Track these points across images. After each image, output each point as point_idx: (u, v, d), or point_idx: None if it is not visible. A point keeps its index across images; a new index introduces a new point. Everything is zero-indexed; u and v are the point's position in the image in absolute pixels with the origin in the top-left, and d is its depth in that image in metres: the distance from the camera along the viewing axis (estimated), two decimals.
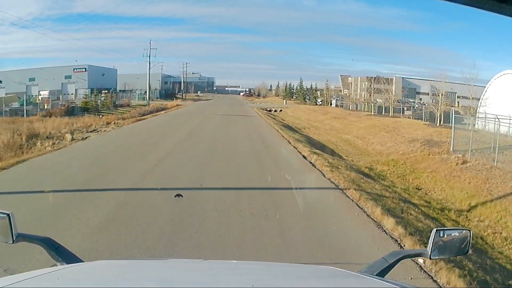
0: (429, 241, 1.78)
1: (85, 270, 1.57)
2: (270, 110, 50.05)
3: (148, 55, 56.29)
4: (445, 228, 1.89)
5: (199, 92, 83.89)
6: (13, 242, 1.68)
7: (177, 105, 52.69)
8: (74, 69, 65.40)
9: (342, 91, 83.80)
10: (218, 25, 74.17)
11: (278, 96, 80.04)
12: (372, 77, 62.80)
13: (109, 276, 1.47)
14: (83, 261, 1.71)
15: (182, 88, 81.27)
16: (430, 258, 1.85)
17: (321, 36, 72.37)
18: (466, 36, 58.32)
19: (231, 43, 78.25)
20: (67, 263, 1.65)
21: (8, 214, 1.64)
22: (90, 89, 60.81)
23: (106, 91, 60.77)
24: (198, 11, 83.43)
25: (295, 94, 75.92)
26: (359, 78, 75.43)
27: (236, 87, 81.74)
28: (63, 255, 1.70)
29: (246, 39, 77.95)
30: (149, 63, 56.69)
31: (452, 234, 1.83)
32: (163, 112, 35.49)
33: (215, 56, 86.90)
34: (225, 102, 59.32)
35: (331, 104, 54.45)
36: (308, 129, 29.85)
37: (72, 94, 58.20)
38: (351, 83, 76.33)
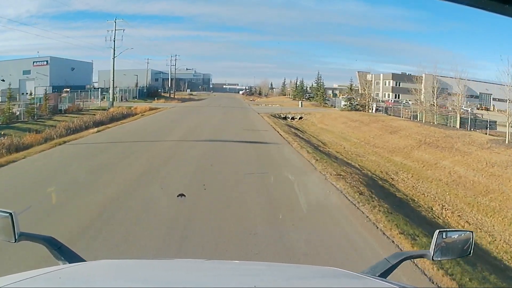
0: (432, 242, 1.63)
1: (87, 270, 1.50)
2: (285, 118, 32.35)
3: (113, 38, 38.37)
4: (447, 230, 1.72)
5: (188, 90, 67.27)
6: (15, 241, 1.57)
7: (152, 109, 35.03)
8: (33, 62, 46.72)
9: (359, 90, 67.50)
10: (217, 24, 69.13)
11: (285, 95, 61.73)
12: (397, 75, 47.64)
13: (111, 276, 1.41)
14: (86, 261, 1.61)
15: (169, 86, 65.44)
16: (433, 260, 1.69)
17: (321, 36, 67.39)
18: (467, 36, 55.86)
19: (230, 42, 72.72)
20: (69, 263, 1.56)
21: (10, 213, 1.55)
22: (52, 87, 43.18)
23: (68, 89, 42.43)
24: (197, 9, 75.33)
25: (308, 93, 59.17)
26: (381, 75, 59.64)
27: (235, 85, 71.05)
28: (65, 254, 1.61)
29: (245, 38, 72.93)
30: (114, 49, 38.70)
31: (455, 236, 1.71)
32: (94, 130, 17.61)
33: (213, 55, 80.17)
34: (221, 104, 41.44)
35: (371, 109, 36.70)
36: (416, 193, 12.22)
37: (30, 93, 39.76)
38: (371, 81, 61.00)
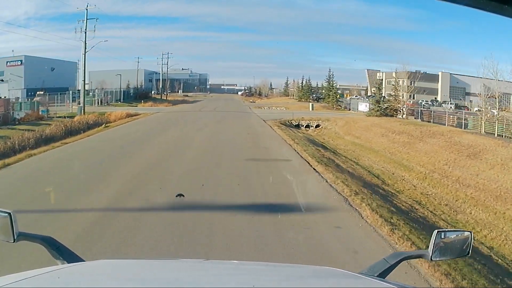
0: (430, 242, 1.56)
1: (86, 270, 1.46)
2: (298, 126, 24.81)
3: (84, 29, 30.64)
4: (446, 230, 1.66)
5: (179, 91, 60.42)
6: (14, 241, 1.52)
7: (129, 115, 27.57)
8: (7, 62, 43.06)
9: (370, 89, 61.06)
10: (215, 24, 65.95)
11: (287, 96, 54.97)
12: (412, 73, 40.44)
13: (110, 276, 1.37)
14: (84, 261, 1.56)
15: (161, 86, 58.80)
16: (431, 260, 1.61)
17: (319, 35, 63.96)
18: (466, 35, 53.26)
19: (228, 41, 68.69)
20: (68, 262, 1.52)
21: (9, 213, 1.50)
22: (26, 90, 37.17)
23: (42, 92, 34.97)
24: (194, 9, 73.45)
25: (316, 94, 52.23)
26: (394, 73, 51.14)
27: (233, 85, 65.68)
28: (64, 254, 1.56)
29: (244, 38, 69.13)
30: (85, 43, 30.89)
31: (453, 236, 1.63)
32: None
33: (212, 55, 76.66)
34: (217, 108, 33.87)
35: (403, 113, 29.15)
36: None
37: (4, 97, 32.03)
38: (382, 80, 51.10)
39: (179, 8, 72.85)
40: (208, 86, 65.52)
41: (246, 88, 64.31)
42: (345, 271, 1.56)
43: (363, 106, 37.99)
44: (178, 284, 1.22)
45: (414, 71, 56.30)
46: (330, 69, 43.59)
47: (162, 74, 56.99)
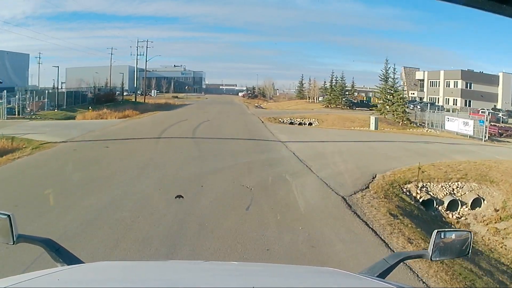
0: (430, 242, 1.53)
1: (86, 271, 1.43)
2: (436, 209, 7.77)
3: None
4: (445, 230, 1.60)
5: (155, 91, 45.42)
6: (13, 243, 1.48)
7: None
8: None
9: (406, 91, 43.96)
10: (213, 24, 64.54)
11: (302, 98, 42.72)
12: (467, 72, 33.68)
13: (109, 277, 1.34)
14: (84, 262, 1.53)
15: (135, 86, 44.88)
16: (431, 260, 1.57)
17: (317, 36, 58.80)
18: (465, 36, 52.25)
19: (225, 42, 64.12)
20: (67, 264, 1.48)
21: (9, 215, 1.46)
22: None
23: None
24: (192, 10, 68.45)
25: (350, 100, 37.11)
26: (441, 72, 39.40)
27: (233, 85, 56.67)
28: (63, 256, 1.52)
29: (241, 39, 65.75)
30: None
31: (453, 236, 1.59)
32: None
33: (209, 55, 70.60)
34: (201, 124, 15.82)
35: None
36: None
37: None
38: (423, 80, 41.70)
39: (177, 9, 67.10)
40: (204, 86, 54.90)
41: (248, 88, 52.59)
42: (345, 271, 1.51)
43: (459, 125, 20.97)
44: (178, 285, 1.18)
45: (466, 69, 40.89)
46: (387, 61, 26.28)
47: (136, 70, 41.09)
